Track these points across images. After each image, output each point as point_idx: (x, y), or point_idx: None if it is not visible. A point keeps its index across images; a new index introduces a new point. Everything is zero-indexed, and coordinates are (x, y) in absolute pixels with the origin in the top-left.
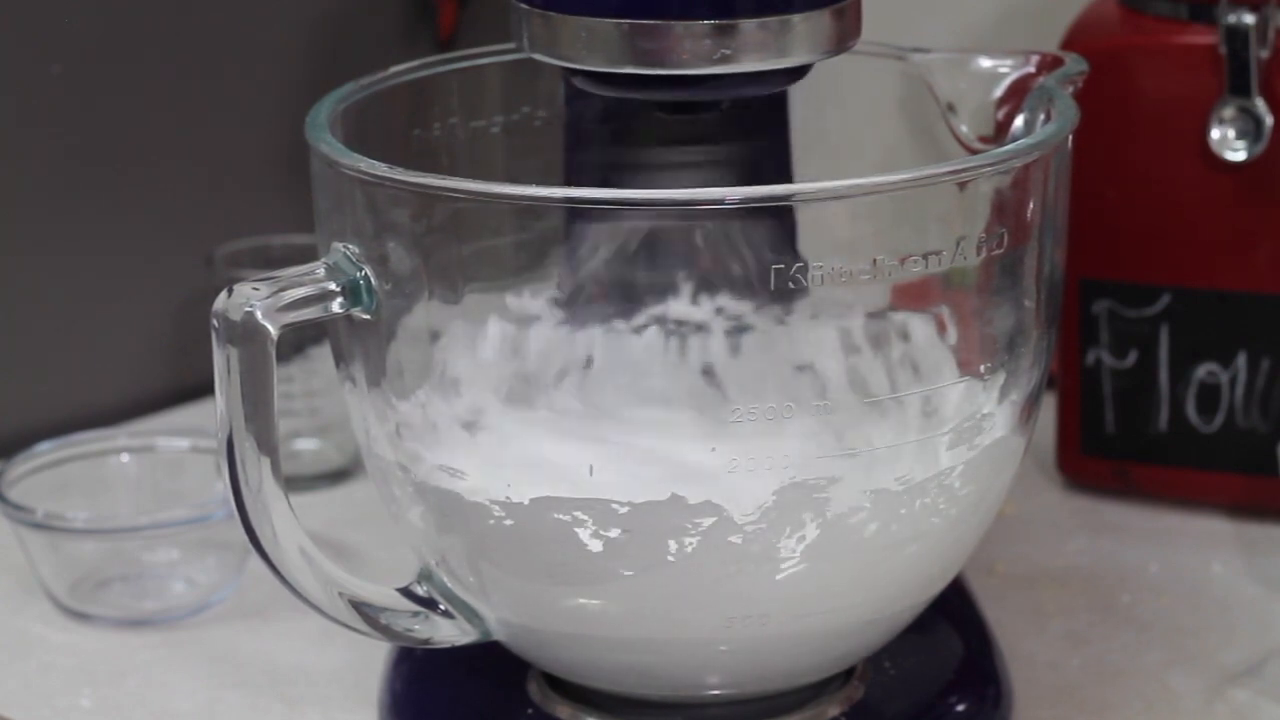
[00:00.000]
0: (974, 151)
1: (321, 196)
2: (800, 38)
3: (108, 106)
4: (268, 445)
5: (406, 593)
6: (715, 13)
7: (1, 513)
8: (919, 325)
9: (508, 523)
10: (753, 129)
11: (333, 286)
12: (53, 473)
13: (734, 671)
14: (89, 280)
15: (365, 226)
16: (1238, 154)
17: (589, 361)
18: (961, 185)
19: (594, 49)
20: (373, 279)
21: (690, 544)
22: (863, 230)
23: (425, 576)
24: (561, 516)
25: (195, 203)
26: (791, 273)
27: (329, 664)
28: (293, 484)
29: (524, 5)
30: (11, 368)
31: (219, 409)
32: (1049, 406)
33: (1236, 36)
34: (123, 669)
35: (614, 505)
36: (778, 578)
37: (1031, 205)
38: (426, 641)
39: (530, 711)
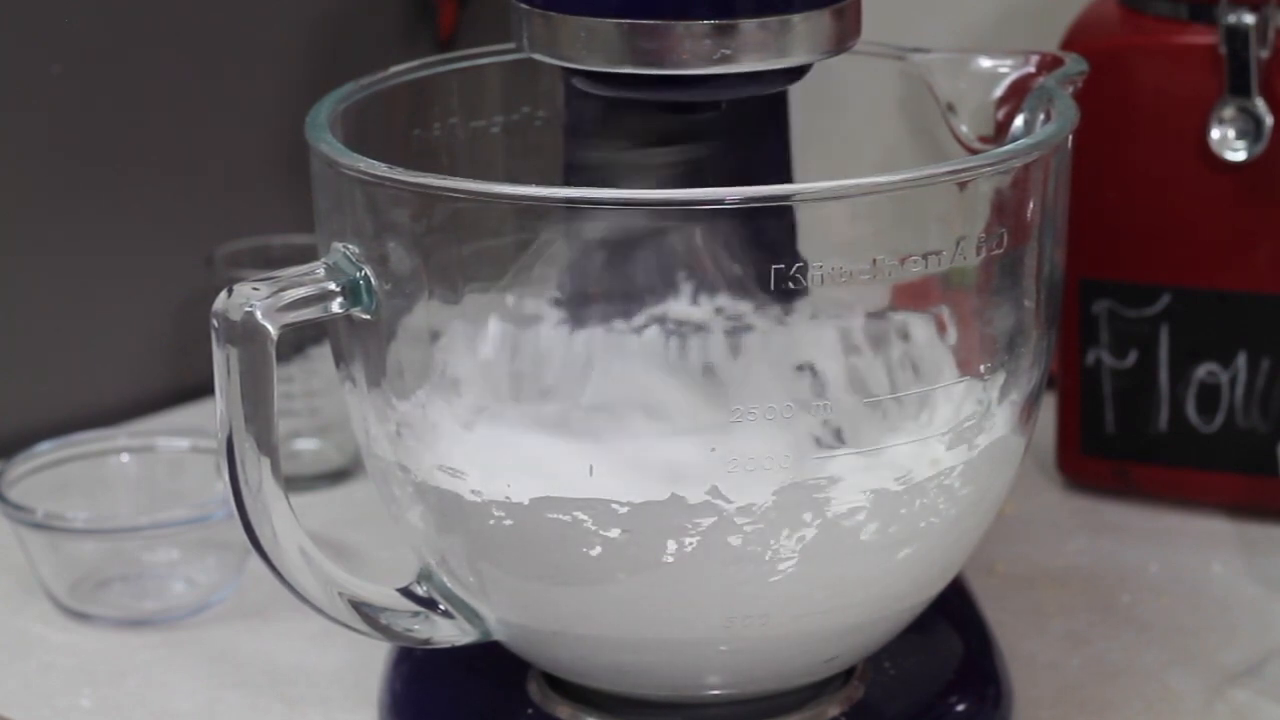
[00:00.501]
0: (974, 151)
1: (321, 196)
2: (800, 38)
3: (108, 106)
4: (268, 445)
5: (406, 593)
6: (715, 13)
7: (1, 513)
8: (919, 325)
9: (508, 523)
10: (752, 129)
11: (333, 286)
12: (53, 473)
13: (734, 671)
14: (89, 280)
15: (365, 226)
16: (1238, 154)
17: (589, 361)
18: (961, 185)
19: (594, 49)
20: (373, 279)
21: (690, 544)
22: (863, 230)
23: (425, 576)
24: (561, 516)
25: (195, 203)
26: (791, 273)
27: (329, 664)
28: (293, 484)
29: (524, 5)
30: (11, 368)
31: (219, 409)
32: (1049, 406)
33: (1236, 36)
34: (123, 669)
35: (614, 505)
36: (777, 578)
37: (1031, 205)
38: (426, 641)
39: (530, 711)
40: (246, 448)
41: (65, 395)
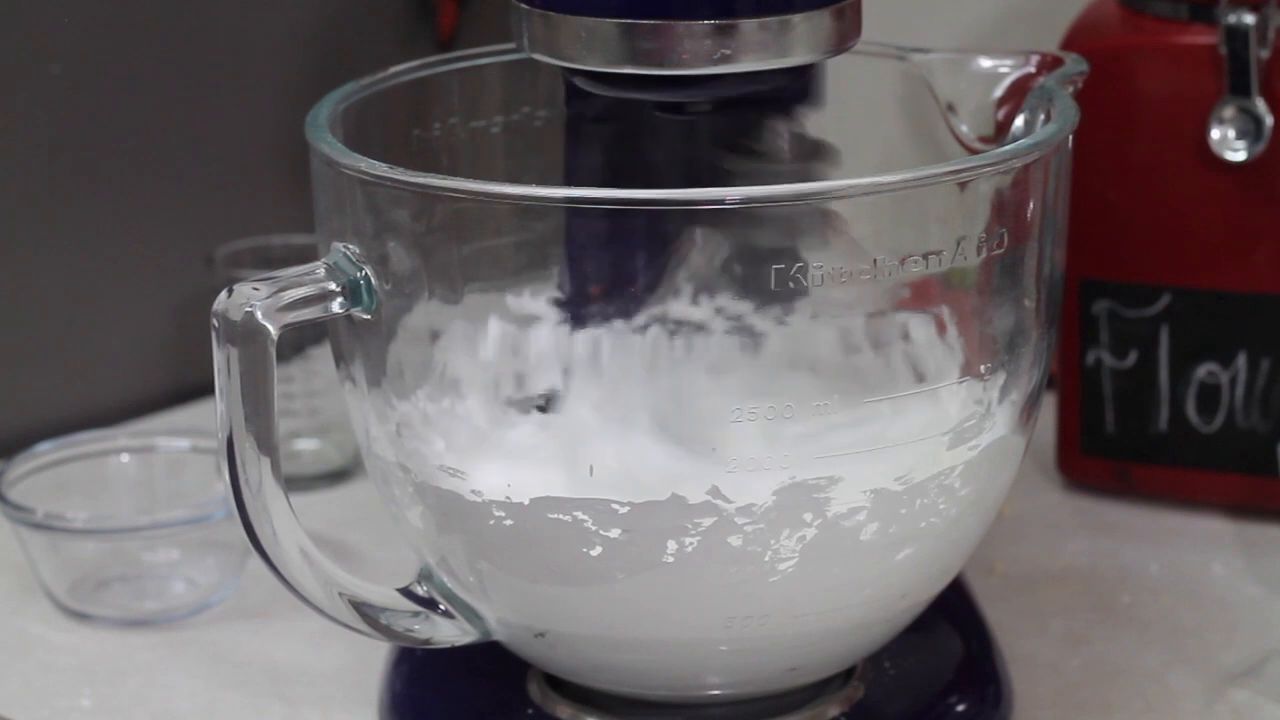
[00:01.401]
0: (974, 151)
1: (321, 196)
2: (800, 38)
3: (108, 106)
4: (268, 445)
5: (406, 593)
6: (715, 13)
7: (1, 513)
8: (919, 325)
9: (508, 523)
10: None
11: (333, 286)
12: (53, 473)
13: (734, 671)
14: (89, 280)
15: (365, 226)
16: (1238, 154)
17: (589, 362)
18: (961, 185)
19: (594, 49)
20: (373, 279)
21: (690, 544)
22: (863, 230)
23: (425, 576)
24: (561, 516)
25: (195, 203)
26: (791, 273)
27: (329, 664)
28: (293, 484)
29: (524, 5)
30: (11, 368)
31: (219, 409)
32: (1049, 406)
33: (1236, 36)
34: (123, 669)
35: (614, 505)
36: (777, 578)
37: (1031, 205)
38: (426, 641)
39: (530, 711)
40: (246, 448)
41: (65, 395)
